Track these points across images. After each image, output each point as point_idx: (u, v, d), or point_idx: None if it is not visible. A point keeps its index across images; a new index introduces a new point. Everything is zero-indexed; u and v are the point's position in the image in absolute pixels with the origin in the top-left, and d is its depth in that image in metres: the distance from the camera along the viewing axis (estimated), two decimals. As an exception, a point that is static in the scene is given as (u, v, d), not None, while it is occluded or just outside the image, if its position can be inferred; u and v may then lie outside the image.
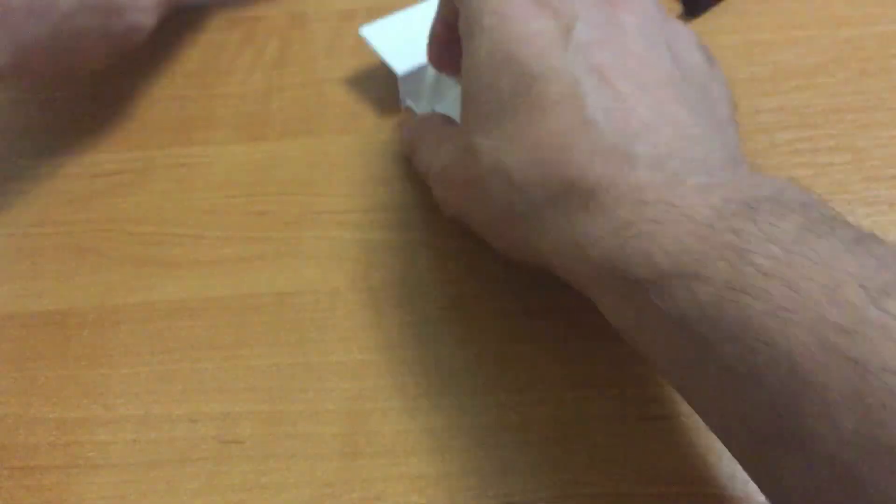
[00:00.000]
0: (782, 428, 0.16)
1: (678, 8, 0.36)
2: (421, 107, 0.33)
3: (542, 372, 0.26)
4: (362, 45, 0.32)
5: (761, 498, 0.23)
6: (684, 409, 0.25)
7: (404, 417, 0.25)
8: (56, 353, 0.27)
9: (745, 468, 0.19)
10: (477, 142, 0.22)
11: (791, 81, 0.33)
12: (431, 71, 0.31)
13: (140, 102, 0.34)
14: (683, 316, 0.18)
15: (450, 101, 0.32)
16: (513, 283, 0.28)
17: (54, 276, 0.29)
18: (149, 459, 0.25)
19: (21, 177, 0.32)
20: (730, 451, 0.19)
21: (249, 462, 0.24)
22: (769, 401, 0.16)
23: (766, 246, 0.17)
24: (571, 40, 0.21)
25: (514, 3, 0.22)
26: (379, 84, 0.34)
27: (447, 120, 0.28)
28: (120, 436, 0.25)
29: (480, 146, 0.22)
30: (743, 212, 0.18)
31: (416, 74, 0.32)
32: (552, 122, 0.21)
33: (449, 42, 0.28)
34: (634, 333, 0.20)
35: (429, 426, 0.25)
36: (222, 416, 0.25)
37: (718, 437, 0.19)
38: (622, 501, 0.23)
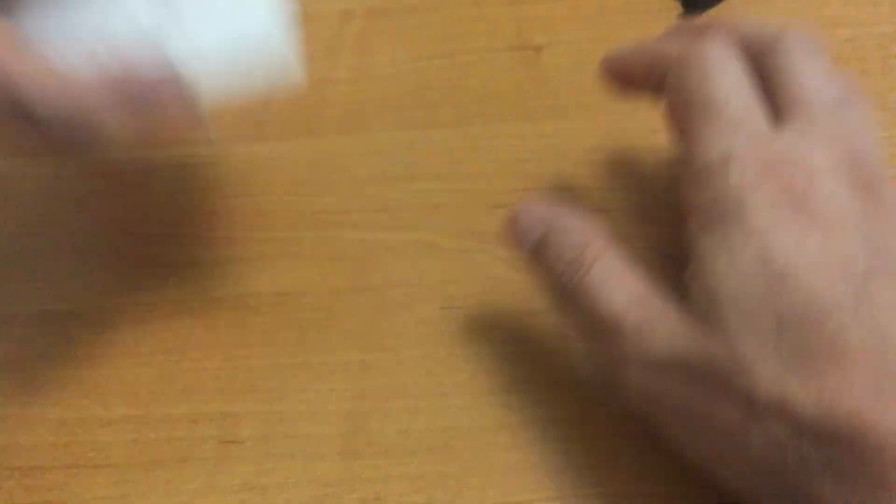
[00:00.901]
0: None
1: (678, 7, 0.36)
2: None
3: (542, 372, 0.26)
4: (363, 44, 0.32)
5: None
6: (684, 409, 0.25)
7: (404, 417, 0.25)
8: (56, 353, 0.27)
9: None
10: (752, 361, 0.19)
11: (791, 81, 0.33)
12: None
13: (140, 102, 0.34)
14: None
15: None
16: (513, 284, 0.28)
17: (54, 276, 0.29)
18: (149, 459, 0.25)
19: (21, 177, 0.32)
20: None
21: (249, 462, 0.25)
22: None
23: None
24: (857, 273, 0.19)
25: (786, 214, 0.20)
26: (379, 84, 0.34)
27: (631, 263, 0.23)
28: (120, 436, 0.25)
29: (759, 371, 0.19)
30: None
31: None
32: (858, 372, 0.18)
33: (641, 83, 0.25)
34: None
35: (429, 426, 0.25)
36: (222, 416, 0.25)
37: None
38: (622, 501, 0.23)
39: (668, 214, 0.29)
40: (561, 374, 0.26)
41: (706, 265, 0.21)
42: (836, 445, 0.18)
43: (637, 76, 0.25)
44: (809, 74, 0.22)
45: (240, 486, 0.24)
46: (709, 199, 0.21)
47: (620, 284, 0.22)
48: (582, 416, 0.25)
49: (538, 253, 0.23)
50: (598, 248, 0.22)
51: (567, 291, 0.22)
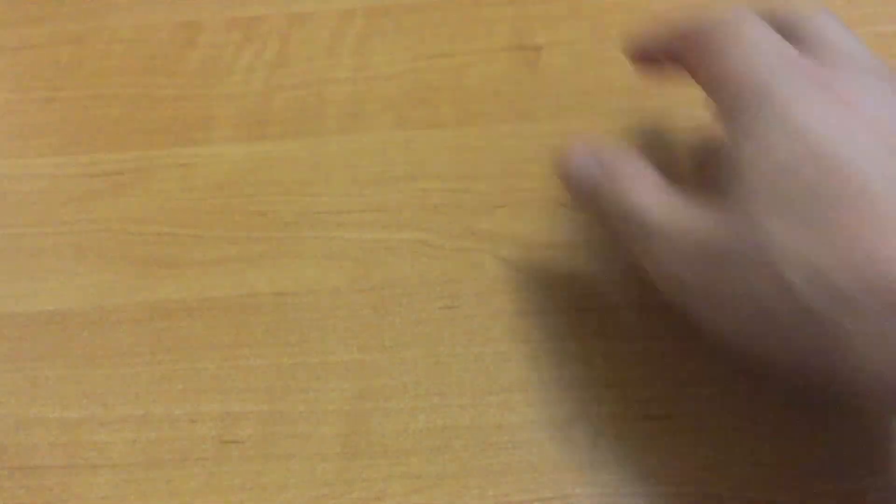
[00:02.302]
0: None
1: (678, 8, 0.36)
2: None
3: (542, 372, 0.26)
4: (363, 44, 0.32)
5: (762, 499, 0.23)
6: (685, 409, 0.25)
7: (404, 417, 0.25)
8: (56, 353, 0.27)
9: None
10: (771, 225, 0.20)
11: (791, 81, 0.33)
12: None
13: (140, 102, 0.34)
14: None
15: None
16: (513, 284, 0.28)
17: (54, 276, 0.29)
18: (149, 459, 0.25)
19: (21, 177, 0.32)
20: None
21: (249, 462, 0.25)
22: None
23: None
24: (887, 144, 0.20)
25: (806, 91, 0.21)
26: (379, 84, 0.34)
27: (645, 163, 0.24)
28: (120, 436, 0.25)
29: (774, 229, 0.19)
30: None
31: None
32: (890, 234, 0.18)
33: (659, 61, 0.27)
34: None
35: (429, 426, 0.25)
36: (222, 416, 0.25)
37: None
38: (622, 501, 0.23)
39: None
40: (561, 373, 0.26)
41: (731, 149, 0.21)
42: (857, 288, 0.18)
43: (660, 45, 0.26)
44: (844, 40, 0.22)
45: (240, 486, 0.24)
46: (733, 91, 0.22)
47: (645, 183, 0.23)
48: (581, 416, 0.25)
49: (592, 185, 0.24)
50: (628, 162, 0.24)
51: (598, 192, 0.24)
